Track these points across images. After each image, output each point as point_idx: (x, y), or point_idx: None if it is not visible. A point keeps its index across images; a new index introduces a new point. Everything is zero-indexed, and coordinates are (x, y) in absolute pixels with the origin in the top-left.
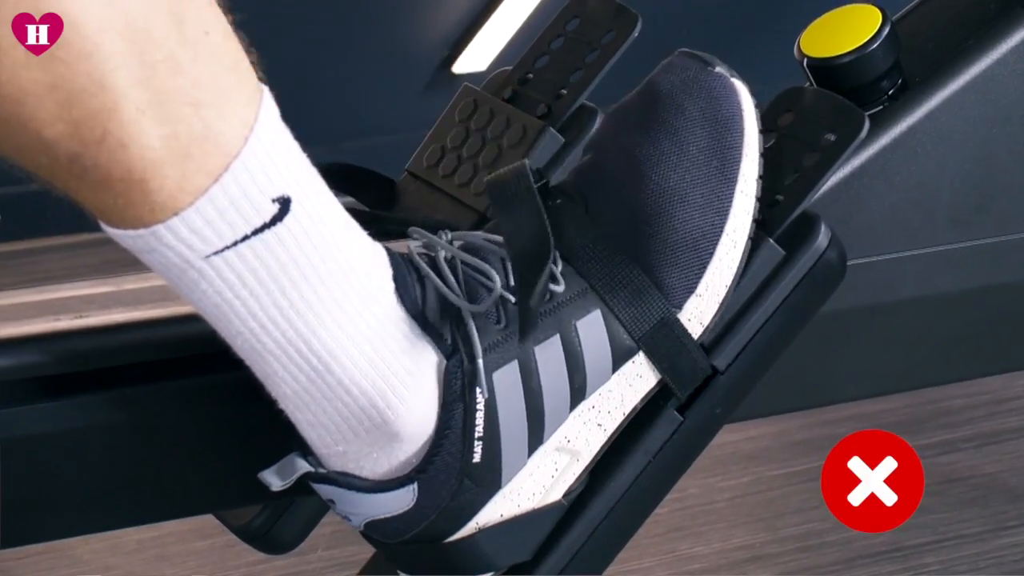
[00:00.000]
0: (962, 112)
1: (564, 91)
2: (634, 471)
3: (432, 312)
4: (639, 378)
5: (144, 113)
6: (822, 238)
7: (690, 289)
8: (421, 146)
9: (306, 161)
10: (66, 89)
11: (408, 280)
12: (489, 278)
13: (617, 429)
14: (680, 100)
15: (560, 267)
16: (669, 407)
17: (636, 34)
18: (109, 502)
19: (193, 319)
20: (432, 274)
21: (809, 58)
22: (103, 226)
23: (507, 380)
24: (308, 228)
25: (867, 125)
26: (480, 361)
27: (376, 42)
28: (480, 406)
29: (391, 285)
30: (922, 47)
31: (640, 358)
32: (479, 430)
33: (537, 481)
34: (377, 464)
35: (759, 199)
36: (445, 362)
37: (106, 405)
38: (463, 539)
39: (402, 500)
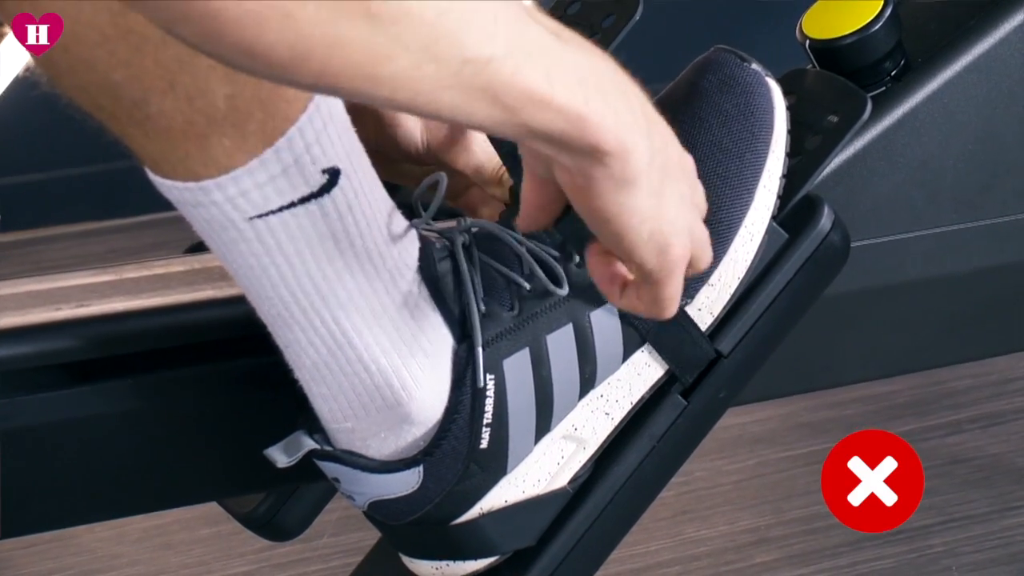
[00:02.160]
0: (965, 92)
1: None
2: (639, 456)
3: (450, 296)
4: (648, 367)
5: (214, 69)
6: (825, 220)
7: (703, 278)
8: None
9: (356, 136)
10: (142, 35)
11: (432, 261)
12: (537, 260)
13: (624, 418)
14: (716, 95)
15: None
16: (673, 391)
17: (637, 18)
18: (113, 491)
19: (194, 308)
20: (465, 259)
21: (811, 40)
22: (151, 176)
23: (518, 367)
24: (352, 203)
25: (870, 107)
26: (509, 339)
27: None
28: (490, 393)
29: (416, 264)
30: (924, 27)
31: (650, 346)
32: (488, 416)
33: (543, 468)
34: (384, 444)
35: (779, 196)
36: (457, 346)
37: (109, 394)
38: (467, 523)
39: (407, 482)
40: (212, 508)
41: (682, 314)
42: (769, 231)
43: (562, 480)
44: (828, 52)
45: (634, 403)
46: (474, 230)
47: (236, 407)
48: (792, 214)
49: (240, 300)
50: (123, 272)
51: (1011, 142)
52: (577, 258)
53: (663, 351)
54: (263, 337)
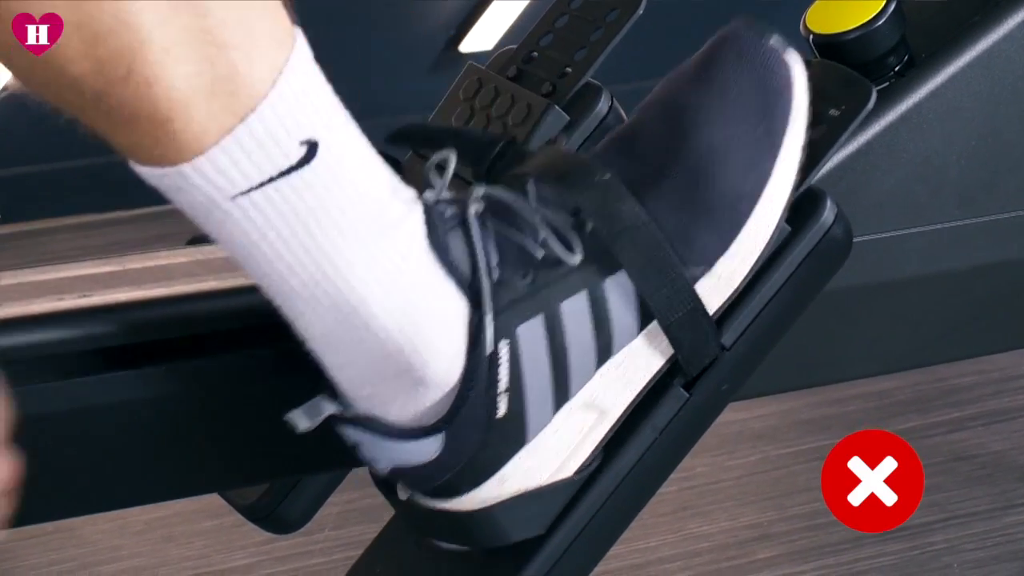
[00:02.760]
0: (969, 88)
1: (569, 69)
2: (640, 448)
3: (463, 263)
4: (664, 339)
5: (168, 52)
6: (828, 214)
7: (723, 249)
8: None
9: (338, 104)
10: (92, 28)
11: (439, 228)
12: (551, 227)
13: (645, 388)
14: (733, 68)
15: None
16: (675, 384)
17: (641, 12)
18: (115, 482)
19: (197, 299)
20: (478, 226)
21: (815, 34)
22: (131, 164)
23: (532, 334)
24: (336, 171)
25: (874, 96)
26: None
27: (382, 21)
28: (504, 359)
29: (423, 230)
30: (928, 23)
31: None
32: (503, 383)
33: (562, 439)
34: (404, 410)
35: (800, 170)
36: (472, 312)
37: (110, 384)
38: (479, 510)
39: (427, 450)
40: (214, 500)
41: (697, 306)
42: None
43: (584, 452)
44: (832, 47)
45: (652, 374)
46: (487, 197)
47: (239, 398)
48: (795, 207)
49: (243, 291)
50: (126, 263)
51: (1014, 138)
52: (590, 225)
53: (672, 340)
54: (266, 328)
